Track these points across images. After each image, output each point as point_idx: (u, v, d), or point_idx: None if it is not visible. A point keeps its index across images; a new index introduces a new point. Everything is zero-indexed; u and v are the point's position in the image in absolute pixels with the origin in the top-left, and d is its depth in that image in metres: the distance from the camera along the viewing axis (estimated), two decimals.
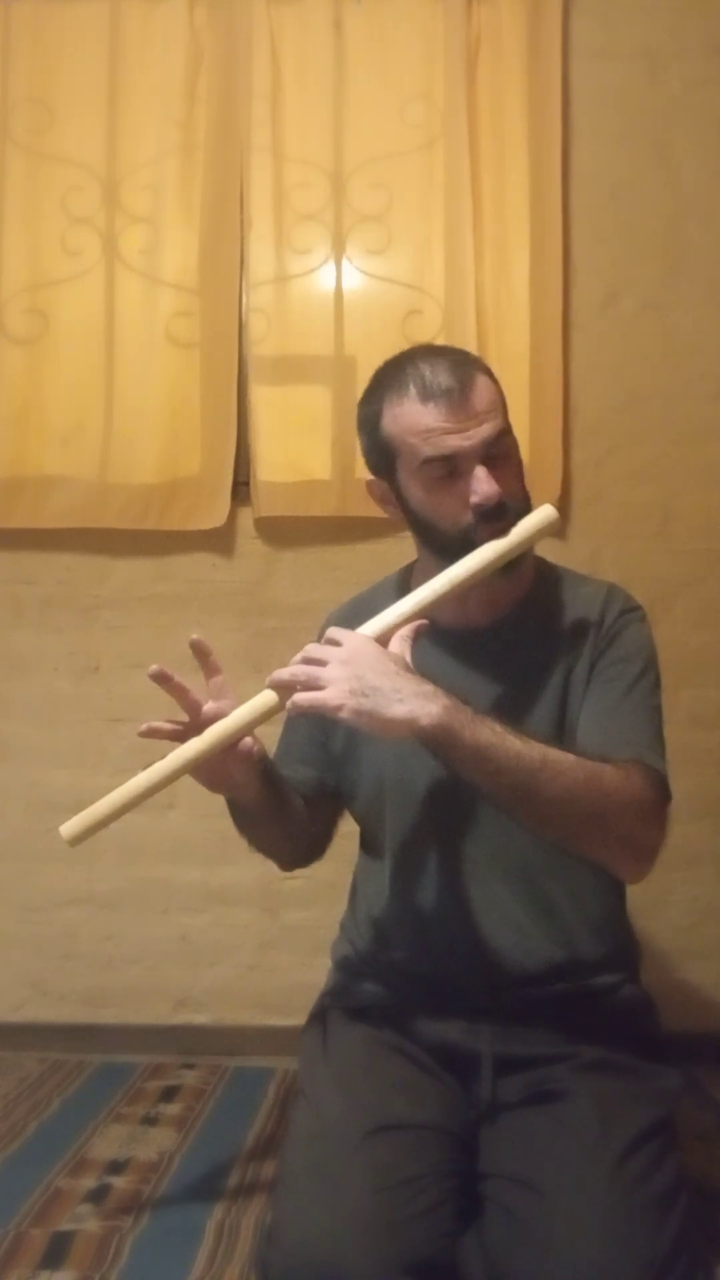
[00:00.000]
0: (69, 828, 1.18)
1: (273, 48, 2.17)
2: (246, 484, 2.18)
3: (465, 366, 1.21)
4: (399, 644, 1.14)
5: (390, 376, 1.24)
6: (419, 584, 1.26)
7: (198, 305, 2.18)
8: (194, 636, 1.24)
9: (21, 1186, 1.54)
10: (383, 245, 2.18)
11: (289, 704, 1.10)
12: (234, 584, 2.20)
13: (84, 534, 2.19)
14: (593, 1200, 1.01)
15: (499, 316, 2.14)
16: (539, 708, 1.25)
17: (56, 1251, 1.35)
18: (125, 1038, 2.14)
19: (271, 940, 2.18)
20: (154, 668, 1.19)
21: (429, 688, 1.08)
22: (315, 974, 1.39)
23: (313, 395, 2.18)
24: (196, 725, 1.19)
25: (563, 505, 2.14)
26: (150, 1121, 1.79)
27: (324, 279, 2.18)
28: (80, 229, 2.19)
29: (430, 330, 2.15)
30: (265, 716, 1.18)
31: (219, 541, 2.20)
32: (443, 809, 1.26)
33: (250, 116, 2.15)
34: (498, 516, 1.19)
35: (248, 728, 1.18)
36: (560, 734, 1.23)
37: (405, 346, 2.22)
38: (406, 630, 1.16)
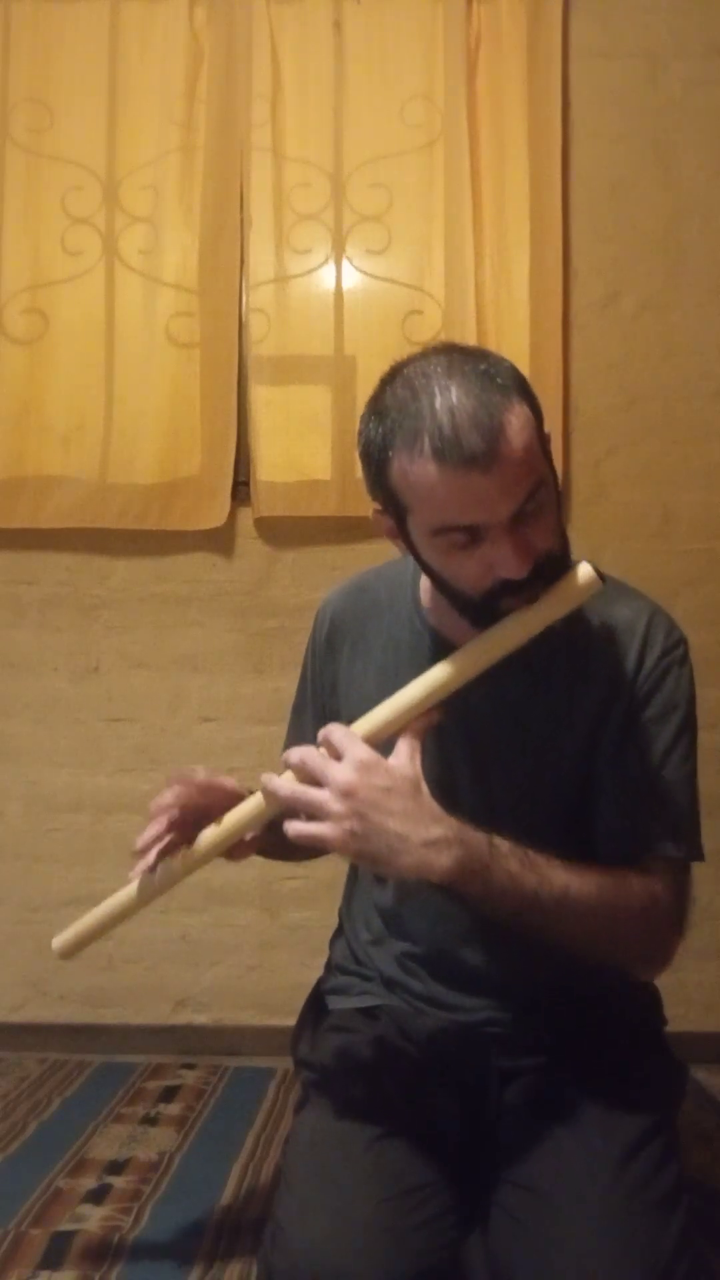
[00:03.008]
0: (60, 940, 1.17)
1: (273, 48, 2.17)
2: (246, 484, 2.18)
3: (493, 409, 0.96)
4: (406, 748, 1.00)
5: (400, 411, 0.99)
6: (431, 591, 1.16)
7: (198, 305, 2.18)
8: (173, 774, 1.16)
9: (21, 1186, 1.54)
10: (383, 245, 2.18)
11: (290, 833, 0.98)
12: (234, 584, 2.20)
13: (84, 534, 2.19)
14: (595, 1203, 1.01)
15: (499, 316, 2.15)
16: (564, 752, 1.14)
17: (56, 1251, 1.35)
18: (125, 1038, 2.14)
19: (271, 940, 2.18)
20: (174, 777, 1.14)
21: (439, 831, 0.96)
22: (315, 974, 1.39)
23: (313, 395, 2.18)
24: (211, 804, 1.14)
25: (563, 505, 2.14)
26: (150, 1121, 1.79)
27: (324, 279, 2.18)
28: (80, 229, 2.19)
29: (430, 330, 2.15)
30: (257, 821, 1.10)
31: (219, 541, 2.20)
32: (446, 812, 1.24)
33: (250, 116, 2.16)
34: (526, 587, 1.01)
35: (239, 834, 1.11)
36: (585, 782, 1.15)
37: (405, 346, 2.21)
38: (418, 727, 1.02)
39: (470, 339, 2.07)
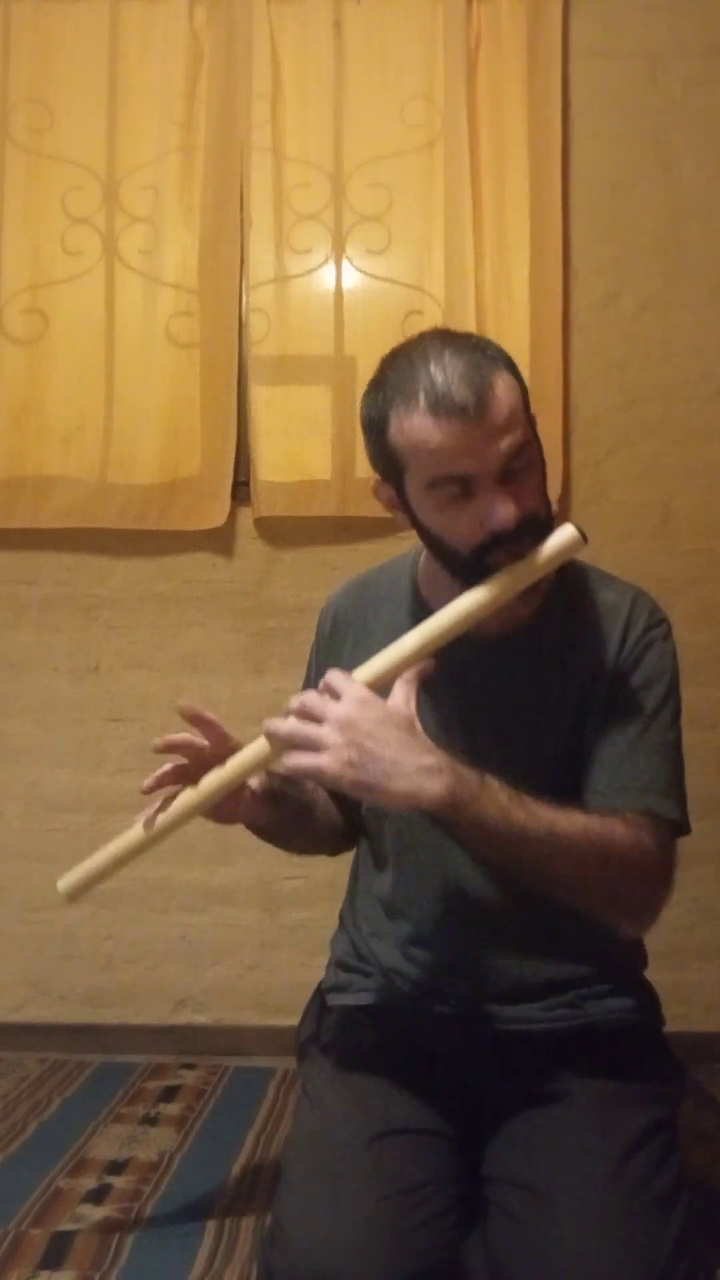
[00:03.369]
0: (65, 882, 1.17)
1: (273, 48, 2.17)
2: (246, 484, 2.18)
3: (482, 370, 1.06)
4: (402, 691, 1.06)
5: (398, 378, 1.09)
6: (425, 584, 1.22)
7: (198, 305, 2.18)
8: (181, 705, 1.16)
9: (21, 1186, 1.54)
10: (383, 245, 2.18)
11: (284, 765, 1.04)
12: (234, 584, 2.20)
13: (84, 534, 2.19)
14: (594, 1202, 1.01)
15: (499, 316, 2.14)
16: (554, 730, 1.18)
17: (56, 1251, 1.35)
18: (125, 1038, 2.14)
19: (271, 940, 2.18)
20: (185, 708, 1.14)
21: (432, 760, 1.01)
22: (315, 974, 1.39)
23: (313, 395, 2.18)
24: (214, 756, 1.15)
25: (562, 505, 2.15)
26: (150, 1121, 1.79)
27: (324, 279, 2.18)
28: (80, 229, 2.19)
29: None
30: (261, 766, 1.13)
31: (219, 541, 2.20)
32: None
33: (250, 117, 2.16)
34: (515, 540, 1.08)
35: (243, 777, 1.14)
36: (575, 758, 1.18)
37: None
38: (410, 674, 1.07)
39: None
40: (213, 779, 1.13)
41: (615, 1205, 1.01)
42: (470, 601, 1.10)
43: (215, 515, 2.17)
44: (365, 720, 1.01)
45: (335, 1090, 1.19)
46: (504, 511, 1.06)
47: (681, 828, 1.16)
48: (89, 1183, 1.56)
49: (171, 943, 2.18)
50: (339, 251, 2.17)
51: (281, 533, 2.19)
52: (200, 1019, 2.18)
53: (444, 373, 1.06)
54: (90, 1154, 1.66)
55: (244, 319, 2.18)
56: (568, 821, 1.05)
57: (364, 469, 2.16)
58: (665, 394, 2.19)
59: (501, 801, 1.02)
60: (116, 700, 2.20)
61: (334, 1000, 1.32)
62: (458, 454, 1.05)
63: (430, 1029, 1.23)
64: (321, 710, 1.02)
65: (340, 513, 2.14)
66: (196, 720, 1.16)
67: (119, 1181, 1.56)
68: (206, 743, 1.16)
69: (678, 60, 2.19)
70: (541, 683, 1.19)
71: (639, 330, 2.19)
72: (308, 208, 2.17)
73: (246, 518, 2.19)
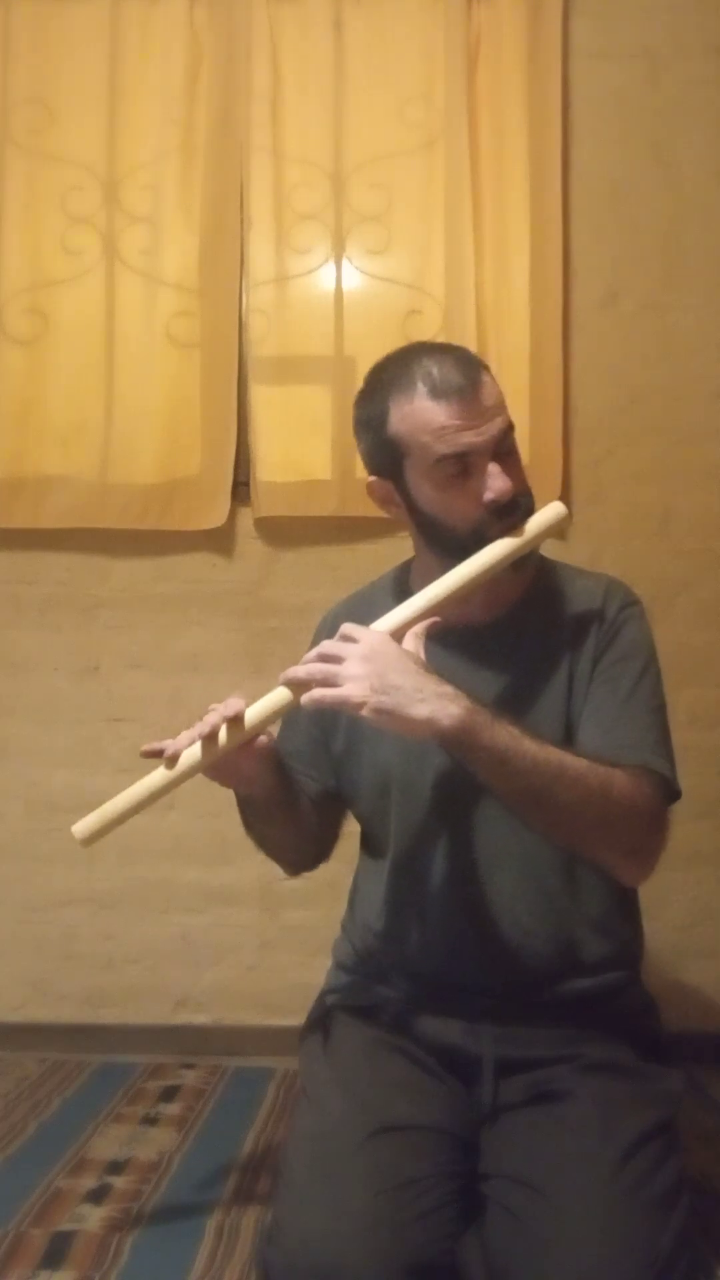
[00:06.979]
0: (81, 827, 1.18)
1: (273, 48, 2.17)
2: (246, 484, 2.18)
3: (470, 364, 1.20)
4: (413, 642, 1.13)
5: (394, 375, 1.20)
6: (418, 583, 1.25)
7: (198, 305, 2.18)
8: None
9: (21, 1186, 1.54)
10: (383, 245, 2.18)
11: (308, 699, 1.09)
12: (234, 584, 2.20)
13: (84, 534, 2.19)
14: (594, 1201, 1.01)
15: (499, 316, 2.14)
16: (543, 704, 1.24)
17: (56, 1251, 1.35)
18: (125, 1038, 2.14)
19: (271, 940, 2.18)
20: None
21: (449, 688, 1.07)
22: (315, 974, 1.39)
23: (313, 395, 2.18)
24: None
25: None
26: (150, 1121, 1.79)
27: (324, 279, 2.18)
28: (80, 229, 2.19)
29: (430, 330, 2.15)
30: (280, 713, 1.17)
31: (219, 541, 2.20)
32: (447, 808, 1.26)
33: (250, 117, 2.16)
34: (510, 512, 1.19)
35: (262, 725, 1.17)
36: (566, 730, 1.22)
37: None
38: (419, 628, 1.15)
39: (470, 339, 2.07)
40: (231, 731, 1.16)
41: (615, 1204, 1.01)
42: (472, 565, 1.18)
43: (215, 515, 2.17)
44: (385, 655, 1.09)
45: (334, 1089, 1.19)
46: (501, 483, 1.17)
47: (672, 785, 1.19)
48: (89, 1183, 1.56)
49: (171, 943, 2.18)
50: (339, 251, 2.17)
51: (281, 533, 2.19)
52: (200, 1019, 2.18)
53: (437, 365, 1.18)
54: (90, 1154, 1.66)
55: (244, 319, 2.18)
56: (574, 758, 1.11)
57: (364, 469, 2.17)
58: (665, 394, 2.19)
59: (514, 731, 1.09)
60: (116, 700, 2.20)
61: (335, 1001, 1.32)
62: (458, 430, 1.16)
63: (431, 1028, 1.23)
64: (342, 651, 1.10)
65: (340, 513, 2.14)
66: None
67: (119, 1181, 1.56)
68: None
69: (678, 60, 2.19)
70: (528, 663, 1.25)
71: (639, 330, 2.19)
72: (308, 208, 2.17)
73: (246, 518, 2.19)
